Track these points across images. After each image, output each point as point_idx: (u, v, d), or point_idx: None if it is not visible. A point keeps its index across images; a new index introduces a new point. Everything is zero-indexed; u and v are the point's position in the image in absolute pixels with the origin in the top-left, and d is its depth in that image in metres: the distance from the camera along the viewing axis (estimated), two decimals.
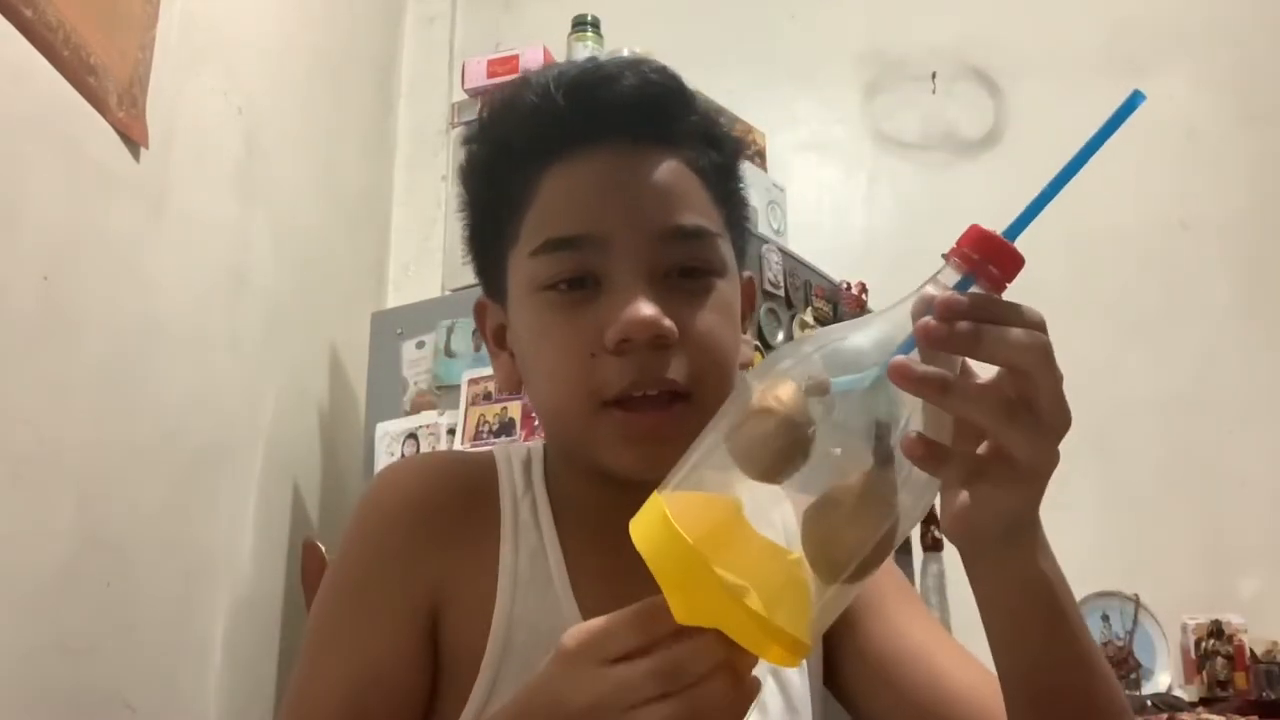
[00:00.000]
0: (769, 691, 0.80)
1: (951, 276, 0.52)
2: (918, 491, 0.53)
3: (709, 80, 0.92)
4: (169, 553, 1.60)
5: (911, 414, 0.52)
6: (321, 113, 2.27)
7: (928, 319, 0.51)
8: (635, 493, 0.57)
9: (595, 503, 0.76)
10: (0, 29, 1.25)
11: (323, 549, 1.47)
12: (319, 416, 2.18)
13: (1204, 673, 2.22)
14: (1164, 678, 2.26)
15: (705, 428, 0.55)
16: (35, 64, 1.32)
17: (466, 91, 2.24)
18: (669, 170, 0.75)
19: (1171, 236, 2.53)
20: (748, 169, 1.02)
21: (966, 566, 0.63)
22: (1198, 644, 2.25)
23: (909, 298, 0.53)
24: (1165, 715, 2.07)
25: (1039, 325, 0.53)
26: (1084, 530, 2.33)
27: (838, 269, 2.24)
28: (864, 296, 2.21)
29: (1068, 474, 0.57)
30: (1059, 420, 0.54)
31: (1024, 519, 0.60)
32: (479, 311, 0.85)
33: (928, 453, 0.52)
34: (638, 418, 0.70)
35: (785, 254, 2.05)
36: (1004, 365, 0.53)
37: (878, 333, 0.53)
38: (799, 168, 2.68)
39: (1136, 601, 2.28)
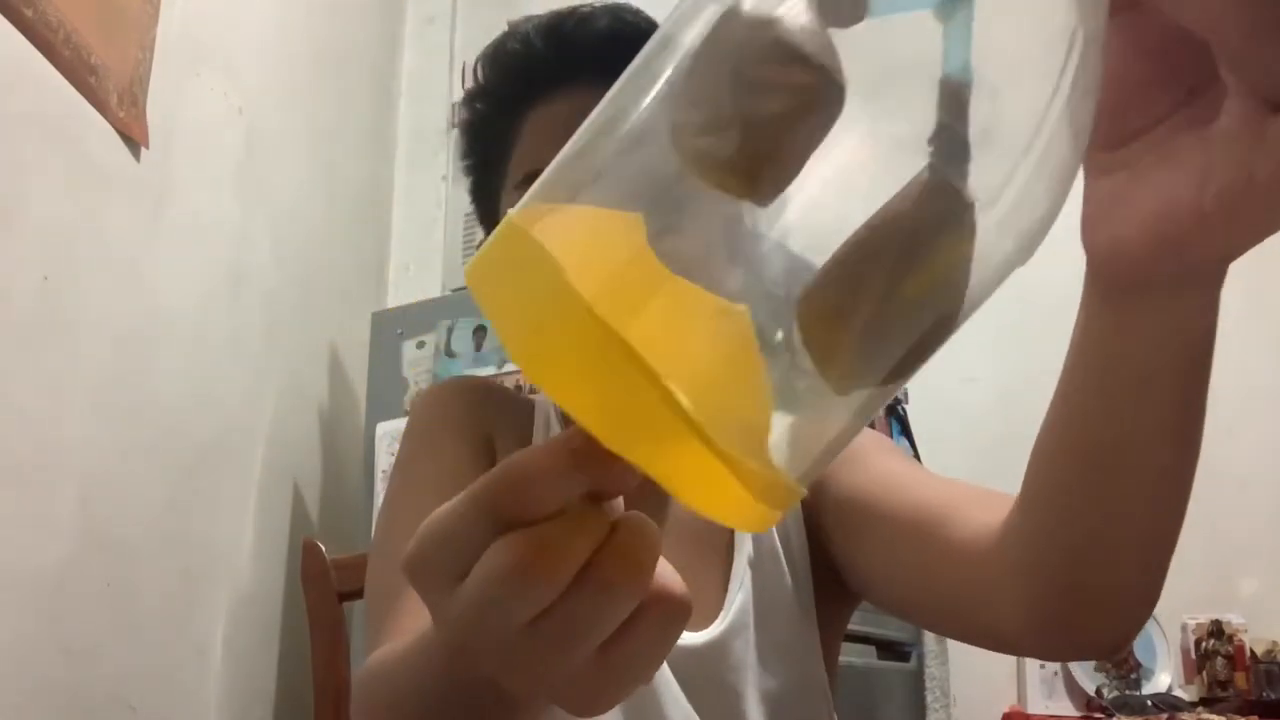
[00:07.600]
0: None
1: None
2: (1034, 197, 0.28)
3: None
4: (169, 552, 1.60)
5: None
6: (321, 113, 2.26)
7: None
8: None
9: None
10: (0, 29, 1.25)
11: (323, 549, 1.46)
12: (319, 416, 2.18)
13: (1204, 673, 2.23)
14: (1164, 678, 2.26)
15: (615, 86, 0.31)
16: (35, 64, 1.31)
17: (466, 91, 2.24)
18: None
19: None
20: None
21: (1105, 306, 0.42)
22: (1198, 644, 2.25)
23: None
24: (1165, 715, 2.07)
25: None
26: None
27: None
28: None
29: None
30: None
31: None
32: None
33: None
34: None
35: None
36: None
37: None
38: None
39: None
